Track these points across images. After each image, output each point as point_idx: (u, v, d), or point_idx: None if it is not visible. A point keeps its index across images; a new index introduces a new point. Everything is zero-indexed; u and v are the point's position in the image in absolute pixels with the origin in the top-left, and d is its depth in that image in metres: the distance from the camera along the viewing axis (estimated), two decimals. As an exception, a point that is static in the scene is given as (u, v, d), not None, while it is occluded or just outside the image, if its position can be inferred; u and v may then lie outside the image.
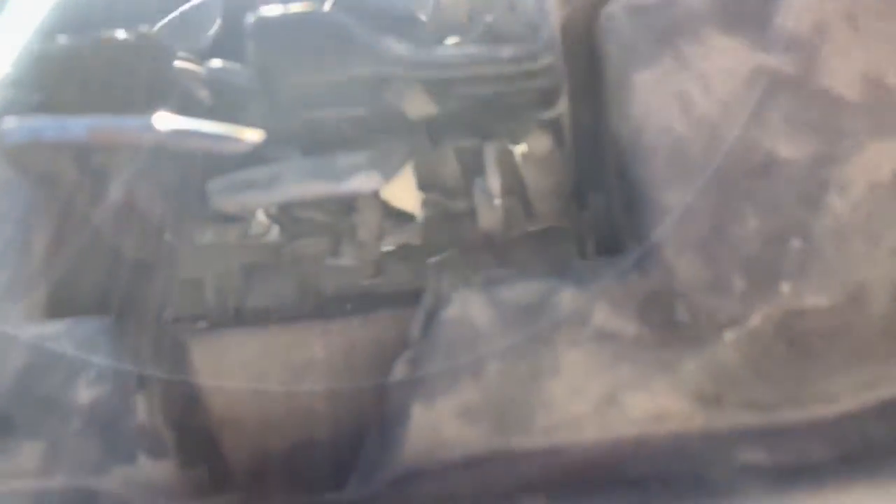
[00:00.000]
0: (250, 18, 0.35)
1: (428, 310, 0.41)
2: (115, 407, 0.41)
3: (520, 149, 0.46)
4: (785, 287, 0.38)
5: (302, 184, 0.38)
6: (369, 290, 0.51)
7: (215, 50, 0.51)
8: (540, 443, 0.38)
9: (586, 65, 0.41)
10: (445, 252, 0.54)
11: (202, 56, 0.49)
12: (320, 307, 0.55)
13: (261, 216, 0.46)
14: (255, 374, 0.49)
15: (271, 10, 0.35)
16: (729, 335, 0.38)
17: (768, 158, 0.40)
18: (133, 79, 0.39)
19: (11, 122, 0.32)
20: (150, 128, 0.33)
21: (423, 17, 0.54)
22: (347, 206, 0.48)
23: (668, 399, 0.37)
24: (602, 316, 0.39)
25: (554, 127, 0.42)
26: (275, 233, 0.49)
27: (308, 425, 0.48)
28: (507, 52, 0.35)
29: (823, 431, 0.36)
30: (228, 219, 0.47)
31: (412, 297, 0.53)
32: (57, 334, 0.43)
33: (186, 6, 0.60)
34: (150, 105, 0.41)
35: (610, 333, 0.39)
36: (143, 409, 0.42)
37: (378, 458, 0.40)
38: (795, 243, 0.39)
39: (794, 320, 0.37)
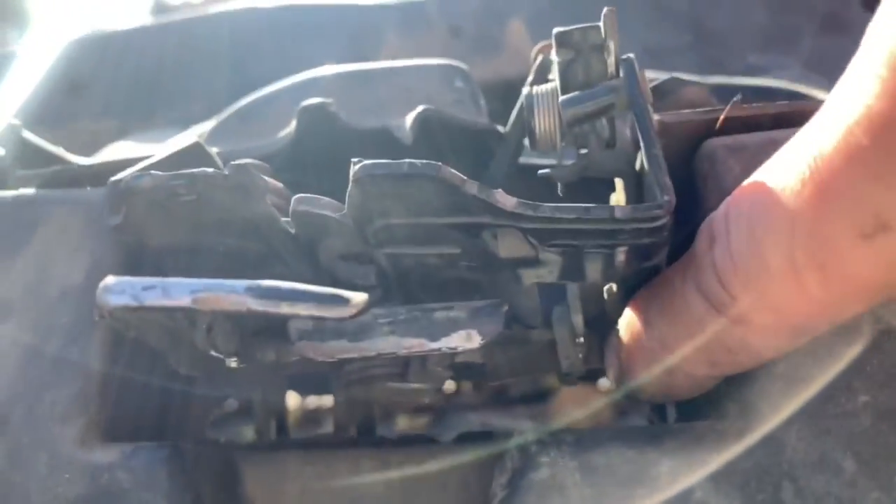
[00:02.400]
0: (355, 167, 0.34)
1: (514, 469, 0.40)
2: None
3: (605, 289, 0.45)
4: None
5: (398, 338, 0.37)
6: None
7: (287, 154, 0.51)
8: None
9: (680, 199, 0.41)
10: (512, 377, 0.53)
11: (272, 160, 0.49)
12: (378, 437, 0.54)
13: None
14: (312, 501, 0.48)
15: (378, 162, 0.34)
16: (839, 521, 0.37)
17: (880, 330, 0.39)
18: (224, 214, 0.38)
19: (113, 281, 0.31)
20: (257, 293, 0.32)
21: (501, 129, 0.54)
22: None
23: (773, 589, 0.36)
24: (703, 493, 0.38)
25: (646, 272, 0.41)
26: None
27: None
28: (622, 211, 0.35)
29: None
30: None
31: (479, 436, 0.52)
32: (114, 464, 0.42)
33: (245, 101, 0.60)
34: (242, 238, 0.40)
35: (711, 509, 0.38)
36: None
37: None
38: (906, 428, 0.38)
39: (910, 511, 0.37)
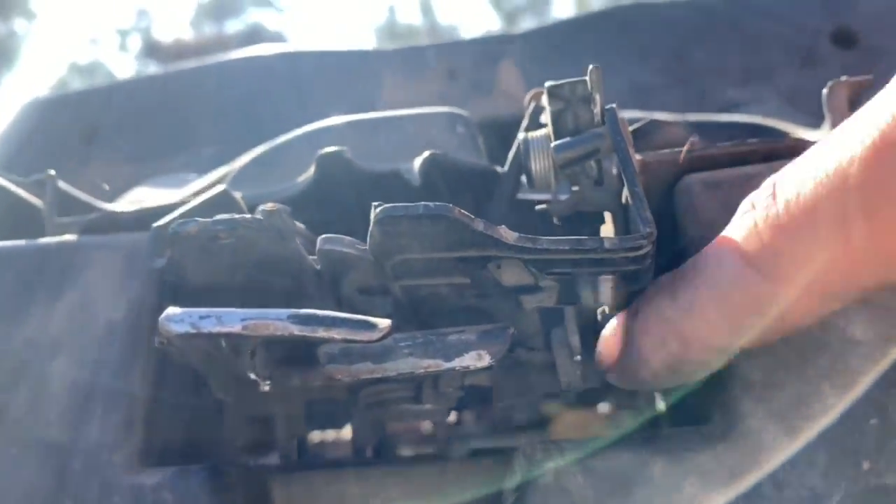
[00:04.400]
0: (376, 210, 0.40)
1: (522, 475, 0.46)
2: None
3: (599, 311, 0.51)
4: (866, 464, 0.43)
5: (416, 359, 0.43)
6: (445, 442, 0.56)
7: (306, 197, 0.57)
8: None
9: (661, 230, 0.47)
10: (516, 398, 0.59)
11: (291, 203, 0.55)
12: (394, 454, 0.60)
13: None
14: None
15: (396, 206, 0.40)
16: (814, 510, 0.43)
17: (843, 338, 0.46)
18: (258, 255, 0.44)
19: (174, 312, 0.37)
20: (298, 320, 0.38)
21: (500, 170, 0.60)
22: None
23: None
24: (693, 489, 0.44)
25: (633, 297, 0.47)
26: None
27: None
28: (609, 242, 0.41)
29: None
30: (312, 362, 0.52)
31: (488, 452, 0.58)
32: (159, 485, 0.47)
33: (261, 149, 0.67)
34: (273, 276, 0.47)
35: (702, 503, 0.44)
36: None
37: None
38: (873, 421, 0.44)
39: (876, 499, 0.43)
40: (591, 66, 0.46)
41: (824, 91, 0.56)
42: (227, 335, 0.37)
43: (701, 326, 0.42)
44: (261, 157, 0.66)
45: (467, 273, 0.46)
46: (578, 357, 0.52)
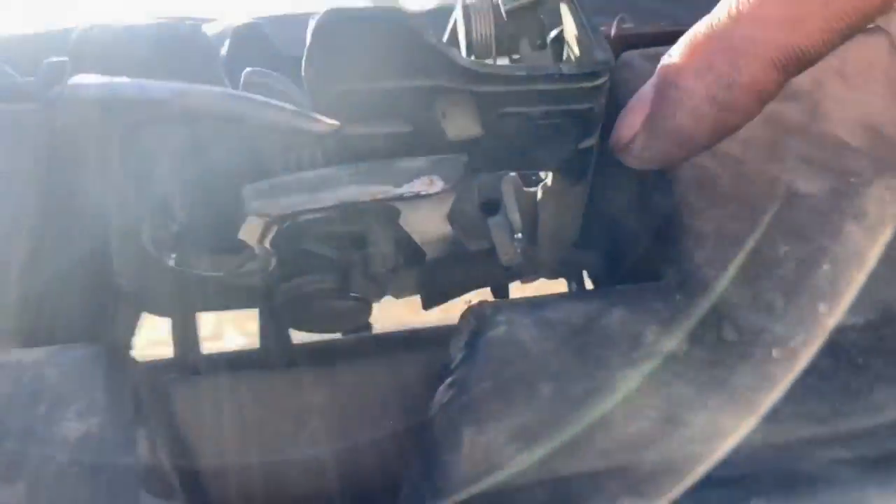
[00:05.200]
0: (319, 15, 0.37)
1: (471, 331, 0.42)
2: (111, 442, 0.38)
3: (541, 184, 0.49)
4: (822, 307, 0.42)
5: (361, 185, 0.39)
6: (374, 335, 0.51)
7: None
8: (599, 465, 0.39)
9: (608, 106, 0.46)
10: (453, 295, 0.55)
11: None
12: (318, 352, 0.54)
13: (262, 246, 0.46)
14: (249, 423, 0.47)
15: (342, 7, 0.37)
16: (776, 352, 0.41)
17: (789, 191, 0.45)
18: (179, 68, 0.39)
19: (88, 78, 0.32)
20: (234, 97, 0.33)
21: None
22: (359, 239, 0.49)
23: (726, 416, 0.40)
24: (653, 336, 0.41)
25: (581, 158, 0.46)
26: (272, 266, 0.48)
27: (316, 478, 0.45)
28: (567, 68, 0.39)
29: (872, 440, 0.39)
30: (226, 249, 0.46)
31: (421, 342, 0.53)
32: (38, 362, 0.40)
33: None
34: None
35: (662, 353, 0.41)
36: (145, 446, 0.39)
37: (424, 490, 0.39)
38: (825, 267, 0.43)
39: (835, 336, 0.42)
40: None
41: None
42: (152, 103, 0.31)
43: (753, 26, 0.36)
44: None
45: (411, 115, 0.43)
46: (519, 235, 0.49)
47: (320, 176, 0.39)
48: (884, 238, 0.44)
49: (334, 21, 0.37)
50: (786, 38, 0.35)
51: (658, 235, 0.46)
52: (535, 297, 0.43)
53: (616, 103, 0.50)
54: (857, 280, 0.43)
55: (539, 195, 0.50)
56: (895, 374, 0.41)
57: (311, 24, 0.38)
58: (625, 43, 0.52)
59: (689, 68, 0.38)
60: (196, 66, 0.39)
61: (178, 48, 0.39)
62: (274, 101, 0.34)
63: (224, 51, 0.53)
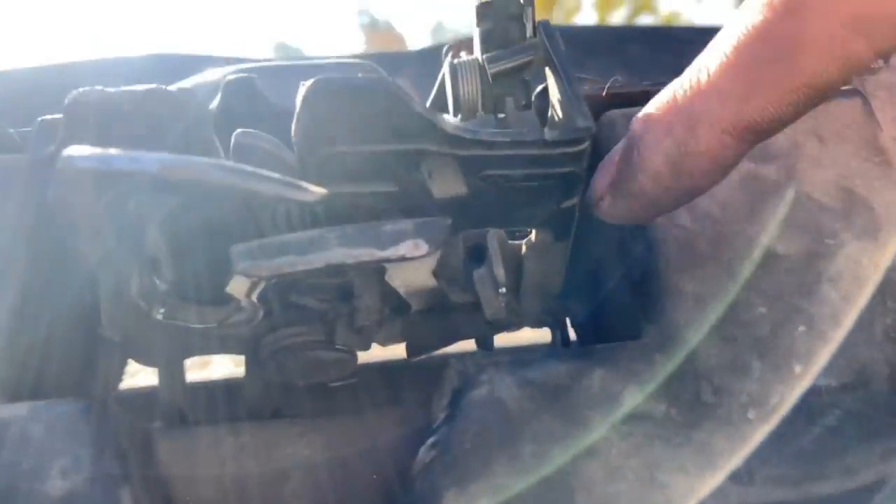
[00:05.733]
0: (307, 84, 0.38)
1: (453, 390, 0.43)
2: (96, 501, 0.39)
3: (525, 240, 0.50)
4: (797, 368, 0.43)
5: (348, 248, 0.39)
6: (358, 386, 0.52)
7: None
8: (580, 526, 0.39)
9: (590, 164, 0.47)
10: (437, 346, 0.56)
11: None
12: (302, 402, 0.54)
13: (248, 299, 0.47)
14: (233, 477, 0.47)
15: (331, 77, 0.38)
16: (752, 414, 0.42)
17: (767, 252, 0.47)
18: (171, 132, 0.40)
19: (81, 149, 0.32)
20: (222, 168, 0.34)
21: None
22: (345, 291, 0.50)
23: (703, 478, 0.41)
24: (632, 397, 0.42)
25: (564, 216, 0.47)
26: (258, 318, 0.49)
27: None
28: (549, 133, 0.40)
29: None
30: (214, 302, 0.47)
31: (408, 393, 0.54)
32: (23, 417, 0.40)
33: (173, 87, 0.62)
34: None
35: (641, 414, 0.42)
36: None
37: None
38: (801, 328, 0.45)
39: (810, 399, 0.43)
40: None
41: None
42: (142, 174, 0.32)
43: (709, 97, 0.37)
44: None
45: (397, 176, 0.44)
46: (503, 290, 0.50)
47: (308, 237, 0.40)
48: (859, 300, 0.45)
49: (323, 90, 0.38)
50: (742, 111, 0.37)
51: (638, 291, 0.47)
52: (517, 353, 0.44)
53: (599, 161, 0.52)
54: (832, 342, 0.44)
55: (523, 250, 0.51)
56: (869, 437, 0.42)
57: (301, 91, 0.39)
58: (615, 101, 0.53)
59: (651, 134, 0.39)
60: (187, 128, 0.40)
61: (169, 113, 0.39)
62: (262, 172, 0.35)
63: (215, 104, 0.54)
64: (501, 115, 0.50)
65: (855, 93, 0.53)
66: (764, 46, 0.36)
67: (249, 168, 0.35)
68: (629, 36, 0.99)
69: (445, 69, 0.52)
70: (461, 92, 0.50)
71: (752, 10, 0.36)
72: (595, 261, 0.52)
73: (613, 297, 0.50)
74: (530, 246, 0.50)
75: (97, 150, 0.32)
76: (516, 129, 0.50)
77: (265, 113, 0.53)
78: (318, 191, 0.36)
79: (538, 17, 0.51)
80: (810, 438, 0.42)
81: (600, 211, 0.43)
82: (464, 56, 0.51)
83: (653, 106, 0.40)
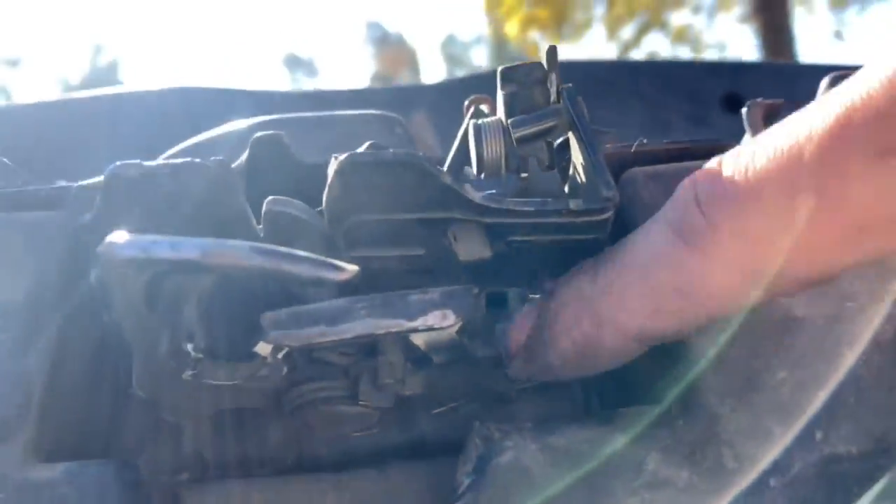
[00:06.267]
0: (340, 157, 0.39)
1: (478, 456, 0.44)
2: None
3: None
4: (818, 435, 0.44)
5: (376, 319, 0.40)
6: (383, 440, 0.53)
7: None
8: None
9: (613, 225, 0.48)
10: (460, 399, 0.57)
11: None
12: (323, 459, 0.55)
13: (273, 356, 0.48)
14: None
15: (362, 152, 0.39)
16: (774, 481, 0.43)
17: (787, 316, 0.47)
18: (200, 209, 0.41)
19: (122, 236, 0.33)
20: (261, 252, 0.35)
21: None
22: (368, 347, 0.51)
23: (725, 545, 0.41)
24: (654, 463, 0.43)
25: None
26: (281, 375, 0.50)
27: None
28: (573, 203, 0.41)
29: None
30: (240, 358, 0.48)
31: (430, 449, 0.55)
32: (57, 479, 0.41)
33: (197, 139, 0.64)
34: (219, 232, 0.43)
35: (664, 480, 0.43)
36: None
37: None
38: (821, 394, 0.45)
39: (831, 466, 0.43)
40: (548, 46, 0.48)
41: (744, 110, 0.61)
42: (183, 262, 0.33)
43: (617, 306, 0.41)
44: (193, 147, 0.62)
45: (423, 241, 0.45)
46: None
47: (336, 308, 0.41)
48: (877, 364, 0.46)
49: (354, 164, 0.39)
50: (645, 321, 0.41)
51: (659, 354, 0.48)
52: (539, 417, 0.45)
53: (621, 218, 0.53)
54: (852, 407, 0.45)
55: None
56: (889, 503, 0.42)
57: (333, 165, 0.40)
58: (639, 159, 0.54)
59: (560, 323, 0.43)
60: (221, 198, 0.41)
61: (205, 186, 0.41)
62: (297, 254, 0.36)
63: (243, 159, 0.55)
64: (524, 175, 0.51)
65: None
66: (671, 274, 0.39)
67: (284, 250, 0.36)
68: (643, 70, 1.01)
69: (469, 126, 0.53)
70: (485, 153, 0.51)
71: (663, 234, 0.40)
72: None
73: (636, 359, 0.50)
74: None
75: (138, 238, 0.33)
76: (540, 190, 0.51)
77: (292, 169, 0.54)
78: (351, 268, 0.37)
79: (547, 36, 0.52)
80: (831, 505, 0.42)
81: (510, 370, 0.47)
82: (486, 111, 0.52)
83: (560, 294, 0.44)
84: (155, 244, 0.33)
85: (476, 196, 0.42)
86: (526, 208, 0.42)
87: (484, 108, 0.60)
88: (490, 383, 0.55)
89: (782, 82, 0.99)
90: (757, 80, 0.99)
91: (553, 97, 0.49)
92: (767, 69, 1.00)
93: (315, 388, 0.51)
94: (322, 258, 0.37)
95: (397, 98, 1.02)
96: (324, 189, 0.43)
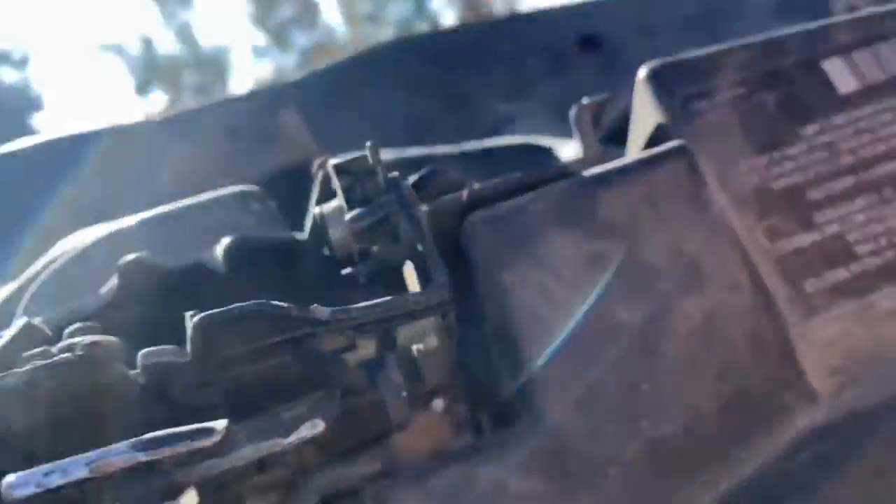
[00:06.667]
0: (193, 319, 0.45)
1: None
2: None
3: (416, 347, 0.59)
4: (644, 423, 0.53)
5: (256, 444, 0.48)
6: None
7: (111, 309, 0.60)
8: None
9: (459, 269, 0.55)
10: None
11: (97, 317, 0.57)
12: None
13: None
14: None
15: (212, 312, 0.45)
16: (612, 471, 0.52)
17: (612, 323, 0.56)
18: (81, 390, 0.47)
19: (13, 477, 0.39)
20: (140, 446, 0.42)
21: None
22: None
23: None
24: (516, 483, 0.52)
25: (446, 326, 0.55)
26: None
27: None
28: (413, 297, 0.48)
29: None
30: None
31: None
32: None
33: (55, 266, 0.67)
34: (99, 408, 0.49)
35: (525, 495, 0.52)
36: None
37: None
38: (645, 387, 0.54)
39: (656, 447, 0.53)
40: (368, 143, 0.53)
41: (571, 113, 0.66)
42: (76, 483, 0.40)
43: None
44: (57, 274, 0.67)
45: (288, 352, 0.51)
46: (404, 393, 0.59)
47: (226, 441, 0.48)
48: (690, 350, 0.55)
49: (208, 326, 0.46)
50: None
51: (513, 382, 0.56)
52: (422, 463, 0.53)
53: (468, 264, 0.59)
54: (671, 393, 0.54)
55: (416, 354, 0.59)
56: (701, 466, 0.52)
57: (188, 326, 0.46)
58: (476, 200, 0.60)
59: None
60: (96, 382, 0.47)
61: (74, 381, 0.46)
62: (171, 432, 0.43)
63: (114, 286, 0.60)
64: (375, 248, 0.57)
65: (682, 150, 0.60)
66: None
67: (160, 434, 0.42)
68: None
69: (314, 209, 0.59)
70: (333, 238, 0.57)
71: None
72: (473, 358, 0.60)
73: (493, 389, 0.59)
74: (420, 353, 0.58)
75: (31, 474, 0.39)
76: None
77: (163, 279, 0.60)
78: (221, 427, 0.44)
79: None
80: (658, 479, 0.52)
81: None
82: (329, 205, 0.58)
83: None
84: (48, 476, 0.39)
85: (324, 314, 0.48)
86: (370, 311, 0.49)
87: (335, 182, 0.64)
88: (378, 422, 0.63)
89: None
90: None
91: (383, 185, 0.55)
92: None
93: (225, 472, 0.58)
94: (195, 427, 0.44)
95: (264, 102, 1.04)
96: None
